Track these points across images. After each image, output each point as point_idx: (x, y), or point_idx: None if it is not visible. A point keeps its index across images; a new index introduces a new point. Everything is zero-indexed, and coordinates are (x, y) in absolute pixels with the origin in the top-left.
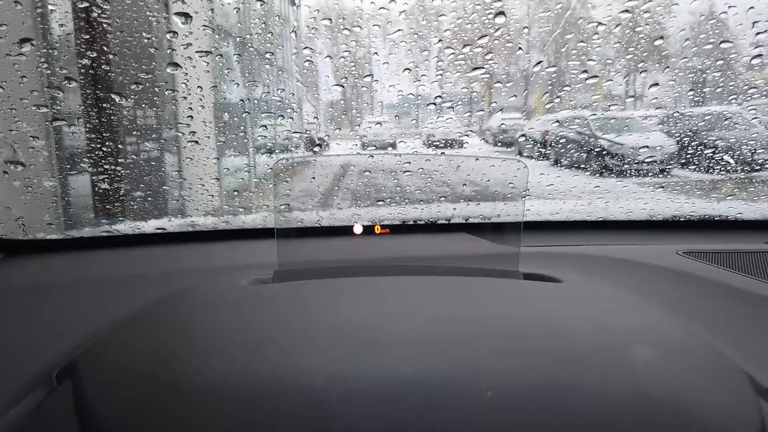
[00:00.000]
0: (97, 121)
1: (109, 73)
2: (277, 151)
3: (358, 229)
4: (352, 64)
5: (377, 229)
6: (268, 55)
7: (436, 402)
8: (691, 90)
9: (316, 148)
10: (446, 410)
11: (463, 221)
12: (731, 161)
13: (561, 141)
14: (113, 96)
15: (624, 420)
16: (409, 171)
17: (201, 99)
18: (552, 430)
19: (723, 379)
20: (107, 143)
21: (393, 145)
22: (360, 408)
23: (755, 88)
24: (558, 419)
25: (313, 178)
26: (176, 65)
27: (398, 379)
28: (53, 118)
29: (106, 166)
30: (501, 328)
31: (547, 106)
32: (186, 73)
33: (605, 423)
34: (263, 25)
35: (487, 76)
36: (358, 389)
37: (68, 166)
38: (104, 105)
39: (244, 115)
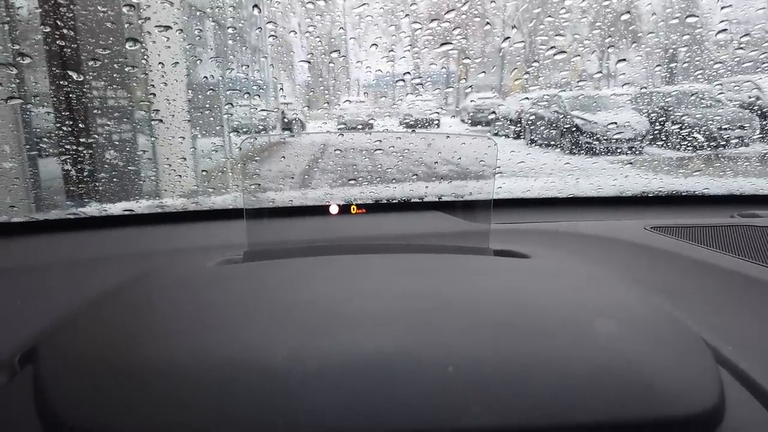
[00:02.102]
0: (56, 99)
1: (65, 49)
2: (244, 130)
3: (333, 209)
4: (318, 39)
5: (353, 209)
6: (230, 30)
7: (396, 379)
8: (657, 65)
9: (287, 130)
10: (407, 387)
11: (436, 199)
12: (699, 137)
13: (534, 119)
14: (72, 73)
15: (584, 393)
16: (380, 149)
17: (163, 76)
18: (515, 404)
19: (684, 351)
20: (68, 122)
21: (370, 125)
22: (320, 387)
23: (720, 63)
24: (520, 393)
25: (283, 157)
26: (136, 41)
27: (358, 358)
28: (8, 96)
29: (69, 146)
30: (466, 304)
31: (517, 82)
32: (146, 49)
33: (565, 396)
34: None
35: (456, 52)
36: (318, 368)
37: (29, 147)
38: (64, 83)
39: (209, 93)
